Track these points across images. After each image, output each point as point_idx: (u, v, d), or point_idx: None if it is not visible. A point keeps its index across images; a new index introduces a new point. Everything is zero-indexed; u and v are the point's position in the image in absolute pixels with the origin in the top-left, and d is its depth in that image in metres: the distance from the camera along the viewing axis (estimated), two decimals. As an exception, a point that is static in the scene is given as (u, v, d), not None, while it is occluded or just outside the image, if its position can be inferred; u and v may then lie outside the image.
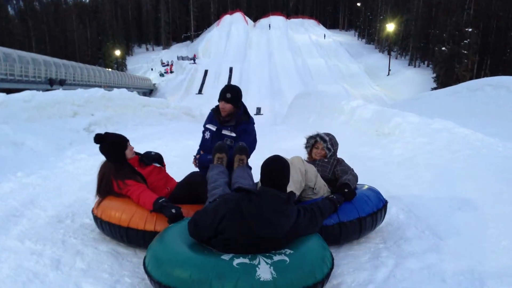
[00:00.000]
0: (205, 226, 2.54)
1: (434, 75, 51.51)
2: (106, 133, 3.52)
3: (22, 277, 2.59)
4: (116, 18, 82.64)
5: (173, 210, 3.02)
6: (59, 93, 9.55)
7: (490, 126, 8.72)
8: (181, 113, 16.49)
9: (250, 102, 37.10)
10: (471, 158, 4.69)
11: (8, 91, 10.34)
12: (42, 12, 72.57)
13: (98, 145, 3.45)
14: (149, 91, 55.52)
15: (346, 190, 3.22)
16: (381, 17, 74.55)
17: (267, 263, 2.27)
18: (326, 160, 3.81)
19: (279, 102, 39.36)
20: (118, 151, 3.46)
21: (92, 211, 3.38)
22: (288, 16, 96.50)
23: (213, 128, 3.88)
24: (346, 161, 3.87)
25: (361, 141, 7.16)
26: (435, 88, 41.57)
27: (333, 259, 2.59)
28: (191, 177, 3.63)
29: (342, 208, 3.15)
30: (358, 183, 3.64)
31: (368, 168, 5.35)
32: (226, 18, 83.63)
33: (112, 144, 3.44)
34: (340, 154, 3.97)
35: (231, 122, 3.83)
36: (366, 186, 3.57)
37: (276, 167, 2.65)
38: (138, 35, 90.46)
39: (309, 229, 2.71)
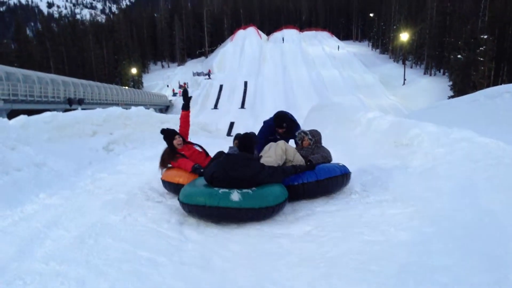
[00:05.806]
0: (206, 173, 4.59)
1: (451, 83, 51.08)
2: (167, 128, 6.03)
3: (48, 299, 2.62)
4: (131, 36, 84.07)
5: (202, 170, 5.15)
6: (78, 113, 9.69)
7: (511, 134, 8.57)
8: (198, 128, 16.59)
9: (265, 115, 37.03)
10: (493, 168, 4.59)
11: (29, 112, 10.53)
12: (59, 32, 74.07)
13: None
14: (165, 107, 56.12)
15: (308, 163, 5.12)
16: (395, 27, 74.45)
17: (238, 193, 4.13)
18: (310, 147, 5.75)
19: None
20: (168, 140, 5.81)
21: (161, 178, 5.56)
22: (301, 29, 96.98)
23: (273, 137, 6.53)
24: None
25: (380, 153, 7.08)
26: (452, 96, 41.18)
27: (287, 197, 4.41)
28: (217, 154, 5.60)
29: (305, 173, 4.91)
30: (335, 161, 5.49)
31: (388, 179, 5.31)
32: (240, 33, 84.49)
33: (164, 136, 5.86)
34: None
35: (288, 135, 6.71)
36: (340, 164, 5.26)
37: (246, 139, 4.79)
38: (153, 52, 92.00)
39: (272, 178, 4.51)
